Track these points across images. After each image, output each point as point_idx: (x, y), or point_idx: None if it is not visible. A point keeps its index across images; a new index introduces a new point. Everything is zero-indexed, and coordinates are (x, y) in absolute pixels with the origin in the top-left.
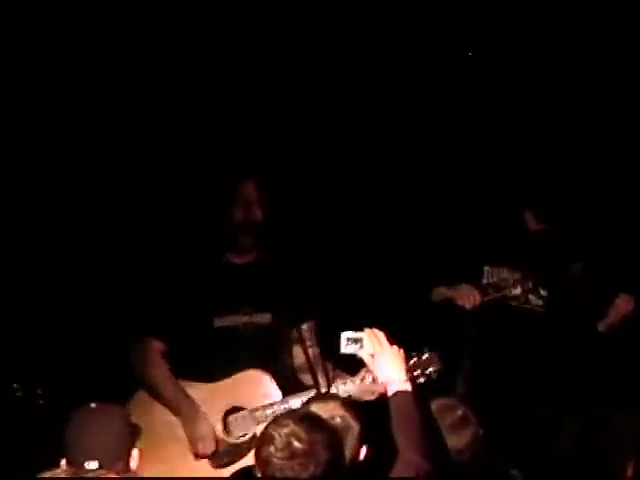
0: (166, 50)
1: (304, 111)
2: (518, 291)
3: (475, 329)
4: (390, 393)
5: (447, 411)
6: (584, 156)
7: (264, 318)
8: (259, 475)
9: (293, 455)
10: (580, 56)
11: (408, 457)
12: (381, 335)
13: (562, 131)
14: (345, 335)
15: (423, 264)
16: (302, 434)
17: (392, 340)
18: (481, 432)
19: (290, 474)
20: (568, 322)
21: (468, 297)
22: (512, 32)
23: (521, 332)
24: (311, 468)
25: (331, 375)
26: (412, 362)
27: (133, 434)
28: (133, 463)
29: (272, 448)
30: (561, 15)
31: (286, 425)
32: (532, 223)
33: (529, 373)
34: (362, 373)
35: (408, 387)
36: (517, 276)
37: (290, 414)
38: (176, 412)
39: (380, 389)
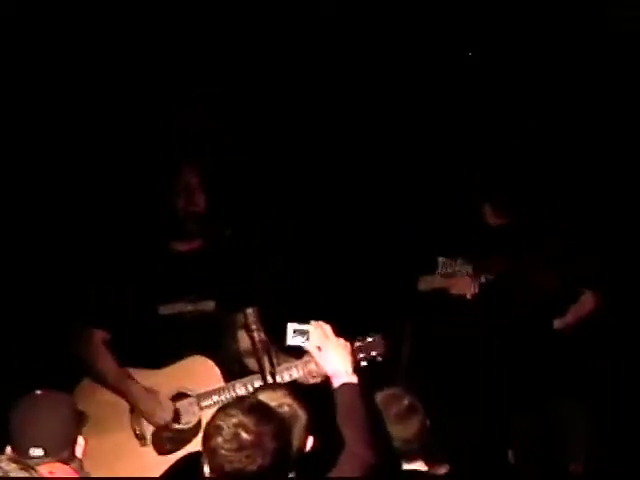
0: (164, 49)
1: (304, 109)
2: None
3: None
4: (336, 385)
5: (393, 401)
6: (548, 152)
7: (208, 305)
8: (206, 464)
9: (241, 447)
10: (579, 56)
11: (354, 450)
12: (327, 327)
13: (548, 130)
14: (292, 327)
15: (374, 253)
16: (250, 425)
17: (338, 332)
18: (428, 422)
19: (238, 466)
20: (508, 315)
21: (468, 286)
22: (512, 32)
23: (463, 323)
24: (259, 460)
25: (276, 360)
26: (356, 345)
27: (79, 421)
28: (79, 451)
29: (220, 439)
30: (560, 15)
31: (234, 415)
32: (491, 217)
33: (469, 364)
34: (307, 357)
35: (354, 379)
36: (469, 269)
37: (238, 404)
38: (125, 395)
39: (324, 372)
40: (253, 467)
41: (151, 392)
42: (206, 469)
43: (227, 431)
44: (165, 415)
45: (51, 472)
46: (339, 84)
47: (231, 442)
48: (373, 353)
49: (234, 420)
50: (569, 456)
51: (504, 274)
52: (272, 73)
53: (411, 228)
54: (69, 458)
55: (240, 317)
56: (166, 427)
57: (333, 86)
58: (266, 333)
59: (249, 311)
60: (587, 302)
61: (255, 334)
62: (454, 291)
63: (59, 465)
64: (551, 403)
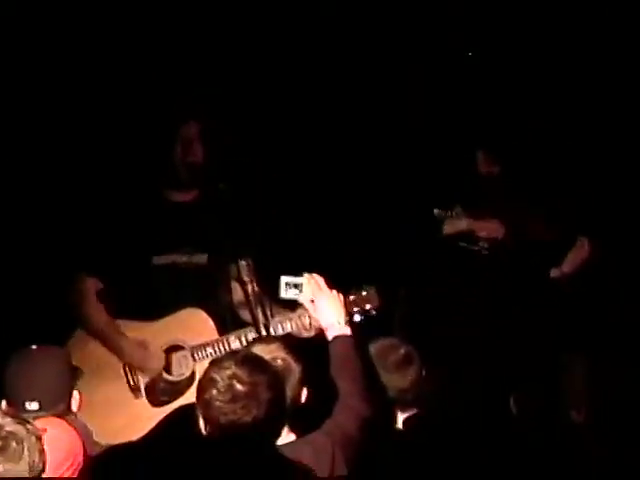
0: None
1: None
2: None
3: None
4: (330, 337)
5: (390, 350)
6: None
7: (202, 258)
8: (200, 417)
9: (235, 398)
10: (579, 56)
11: (349, 402)
12: (320, 280)
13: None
14: (284, 280)
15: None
16: (244, 376)
17: (331, 285)
18: (424, 372)
19: (233, 417)
20: (512, 266)
21: (497, 229)
22: (512, 32)
23: (465, 272)
24: (254, 411)
25: (269, 312)
26: (351, 299)
27: (74, 376)
28: (74, 404)
29: (214, 391)
30: (561, 15)
31: (228, 367)
32: (483, 165)
33: (471, 314)
34: (300, 310)
35: (347, 331)
36: (465, 219)
37: (231, 356)
38: (112, 348)
39: (318, 324)
40: (248, 418)
41: (140, 344)
42: (201, 422)
43: (221, 383)
44: (156, 364)
45: (44, 429)
46: (339, 84)
47: (225, 394)
48: (367, 306)
49: (228, 372)
50: (570, 404)
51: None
52: (272, 72)
53: (411, 228)
54: (64, 412)
55: (233, 269)
56: (160, 378)
57: (333, 85)
58: (260, 285)
59: (242, 263)
60: (582, 249)
61: (249, 286)
62: (483, 234)
63: (54, 420)
64: (552, 354)
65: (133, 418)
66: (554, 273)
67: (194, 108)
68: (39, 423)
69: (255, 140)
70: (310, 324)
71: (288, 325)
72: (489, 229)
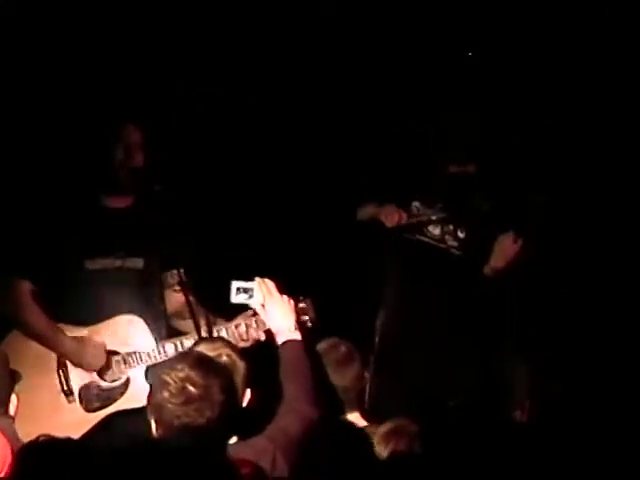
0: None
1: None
2: (437, 231)
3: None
4: (279, 342)
5: (331, 350)
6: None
7: (136, 262)
8: (152, 420)
9: (188, 400)
10: (579, 56)
11: (297, 406)
12: (271, 285)
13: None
14: (235, 284)
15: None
16: (197, 379)
17: (281, 290)
18: (366, 373)
19: (186, 420)
20: (480, 265)
21: (392, 215)
22: (512, 32)
23: (435, 271)
24: (207, 413)
25: (210, 319)
26: None
27: (12, 380)
28: (12, 409)
29: (166, 394)
30: (561, 15)
31: (180, 370)
32: (452, 165)
33: (441, 311)
34: (238, 319)
35: (297, 336)
36: (441, 216)
37: (183, 358)
38: (54, 346)
39: (254, 336)
40: (202, 420)
41: (81, 340)
42: (153, 425)
43: (174, 385)
44: (98, 360)
45: None
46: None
47: (178, 396)
48: (304, 318)
49: (180, 374)
50: (512, 404)
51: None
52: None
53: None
54: (3, 416)
55: (169, 276)
56: (93, 384)
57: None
58: (193, 294)
59: (172, 272)
60: (505, 241)
61: (189, 294)
62: (381, 219)
63: None
64: (492, 354)
65: (66, 422)
66: (486, 270)
67: (133, 111)
68: None
69: (195, 142)
70: (247, 334)
71: (224, 333)
72: (388, 214)
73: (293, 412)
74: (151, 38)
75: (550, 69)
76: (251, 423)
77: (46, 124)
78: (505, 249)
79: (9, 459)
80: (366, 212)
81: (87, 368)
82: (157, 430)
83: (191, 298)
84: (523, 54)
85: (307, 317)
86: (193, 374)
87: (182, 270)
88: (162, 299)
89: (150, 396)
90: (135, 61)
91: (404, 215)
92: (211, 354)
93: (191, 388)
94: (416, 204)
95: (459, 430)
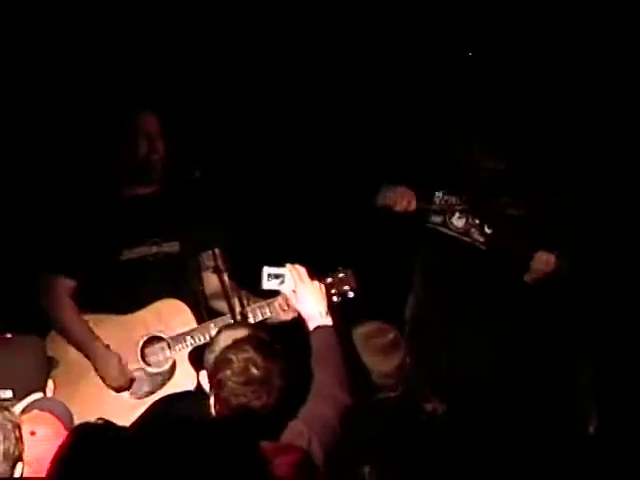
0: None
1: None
2: (461, 223)
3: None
4: (311, 328)
5: (378, 334)
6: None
7: (172, 247)
8: (212, 395)
9: (249, 381)
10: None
11: (330, 391)
12: (302, 270)
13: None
14: (266, 270)
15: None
16: (259, 361)
17: (313, 275)
18: (408, 359)
19: (243, 400)
20: (504, 263)
21: (402, 199)
22: (512, 32)
23: (459, 263)
24: (264, 397)
25: (245, 300)
26: (328, 281)
27: (49, 365)
28: (49, 394)
29: (229, 371)
30: (561, 15)
31: (245, 350)
32: (480, 158)
33: (464, 304)
34: (278, 298)
35: (329, 322)
36: (465, 208)
37: (250, 340)
38: (83, 351)
39: (295, 308)
40: (257, 403)
41: (111, 354)
42: (212, 400)
43: (237, 364)
44: (120, 381)
45: (32, 432)
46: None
47: (239, 375)
48: (345, 288)
49: (245, 355)
50: (583, 418)
51: (498, 222)
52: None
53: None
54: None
55: (205, 258)
56: (140, 371)
57: (302, 76)
58: (231, 275)
59: (209, 254)
60: (544, 259)
61: (224, 275)
62: (389, 202)
63: (43, 416)
64: (558, 368)
65: (115, 410)
66: (527, 278)
67: (152, 100)
68: (27, 422)
69: (224, 130)
70: (287, 304)
71: (267, 310)
72: (397, 197)
73: (329, 398)
74: (168, 31)
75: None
76: (284, 407)
77: (76, 121)
78: (542, 266)
79: None
80: (382, 197)
81: (108, 382)
82: (215, 406)
83: (225, 279)
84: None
85: (348, 287)
86: (256, 356)
87: (217, 251)
88: (200, 281)
89: (213, 373)
90: (151, 54)
91: (413, 201)
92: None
93: (253, 370)
94: (439, 194)
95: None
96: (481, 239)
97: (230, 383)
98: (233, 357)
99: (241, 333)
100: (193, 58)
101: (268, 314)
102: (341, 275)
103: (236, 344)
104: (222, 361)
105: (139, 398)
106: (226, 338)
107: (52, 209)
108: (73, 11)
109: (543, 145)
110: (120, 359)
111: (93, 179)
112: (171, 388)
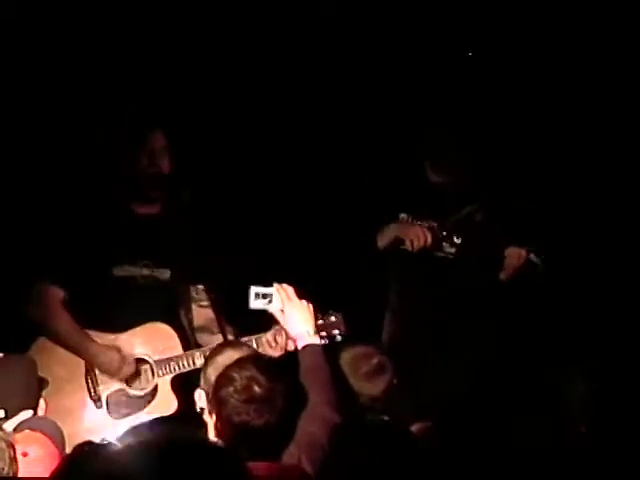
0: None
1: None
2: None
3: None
4: (299, 347)
5: (364, 358)
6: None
7: (163, 273)
8: (213, 413)
9: (251, 399)
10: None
11: (319, 411)
12: (290, 290)
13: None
14: (254, 290)
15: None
16: (262, 380)
17: (301, 295)
18: (395, 381)
19: (245, 418)
20: (479, 269)
21: (418, 237)
22: (512, 32)
23: (435, 278)
24: (266, 415)
25: (232, 336)
26: (319, 323)
27: (40, 385)
28: (40, 413)
29: (231, 389)
30: (561, 15)
31: (248, 369)
32: (432, 174)
33: (443, 319)
34: (266, 335)
35: (317, 340)
36: (432, 224)
37: (253, 359)
38: (83, 353)
39: (282, 344)
40: (260, 422)
41: (111, 348)
42: (212, 419)
43: (240, 382)
44: (126, 369)
45: (25, 453)
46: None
47: (242, 393)
48: (334, 332)
49: (247, 373)
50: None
51: (466, 230)
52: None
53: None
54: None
55: (195, 292)
56: (121, 392)
57: (299, 89)
58: (221, 306)
59: (206, 287)
60: (514, 254)
61: (212, 308)
62: (409, 241)
63: (34, 436)
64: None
65: (92, 428)
66: (502, 276)
67: (157, 116)
68: (20, 443)
69: (221, 150)
70: (275, 340)
71: (254, 346)
72: (414, 235)
73: (318, 417)
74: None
75: (538, 75)
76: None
77: (74, 132)
78: (514, 261)
79: None
80: (388, 236)
81: (114, 376)
82: (216, 425)
83: (212, 315)
84: (514, 60)
85: (338, 331)
86: (259, 375)
87: (208, 286)
88: (189, 311)
89: (216, 390)
90: (159, 68)
91: (429, 234)
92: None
93: (256, 388)
94: (403, 215)
95: (471, 430)
96: (452, 250)
97: (232, 400)
98: (236, 375)
99: (240, 352)
100: (195, 74)
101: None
102: (332, 319)
103: (238, 362)
104: (224, 378)
105: (117, 418)
106: (224, 357)
107: (44, 217)
108: (77, 24)
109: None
110: (120, 350)
111: (94, 190)
112: (151, 412)
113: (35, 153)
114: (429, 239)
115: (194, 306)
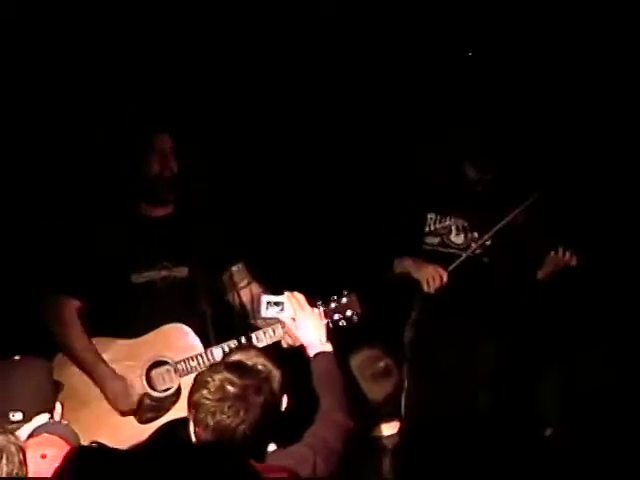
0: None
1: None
2: (461, 239)
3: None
4: (311, 355)
5: (369, 363)
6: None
7: (181, 272)
8: (191, 422)
9: (225, 398)
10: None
11: (332, 417)
12: (301, 298)
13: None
14: (265, 299)
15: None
16: (235, 379)
17: (312, 303)
18: (405, 384)
19: (220, 418)
20: (509, 271)
21: (434, 278)
22: (512, 32)
23: (462, 279)
24: (242, 413)
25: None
26: (332, 306)
27: (57, 388)
28: (56, 416)
29: (205, 391)
30: (561, 15)
31: (219, 372)
32: (471, 173)
33: (470, 321)
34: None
35: (329, 348)
36: (460, 224)
37: (223, 363)
38: (89, 373)
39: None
40: (236, 420)
41: (118, 377)
42: (191, 427)
43: (212, 384)
44: (129, 403)
45: (43, 455)
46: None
47: (215, 393)
48: (349, 313)
49: (219, 375)
50: (543, 421)
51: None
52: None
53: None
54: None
55: (227, 277)
56: (145, 395)
57: (313, 89)
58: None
59: (235, 268)
60: (556, 259)
61: (242, 291)
62: (423, 285)
63: (51, 439)
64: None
65: (120, 436)
66: (540, 275)
67: (166, 119)
68: (32, 446)
69: (229, 152)
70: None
71: (277, 332)
72: (430, 277)
73: (331, 423)
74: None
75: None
76: (288, 431)
77: (85, 138)
78: (557, 261)
79: None
80: (403, 267)
81: (114, 406)
82: (195, 430)
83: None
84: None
85: (352, 311)
86: (231, 375)
87: (238, 266)
88: (210, 303)
89: (190, 396)
90: (164, 71)
91: (444, 274)
92: (247, 363)
93: (229, 387)
94: (431, 215)
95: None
96: (482, 251)
97: (206, 402)
98: (209, 378)
99: (246, 357)
100: (195, 74)
101: (275, 338)
102: (345, 300)
103: (211, 367)
104: (198, 383)
105: (144, 422)
106: (238, 358)
107: (60, 227)
108: (79, 30)
109: (535, 149)
110: (126, 383)
111: (106, 197)
112: (176, 413)
113: (49, 161)
114: (445, 278)
115: (232, 292)
